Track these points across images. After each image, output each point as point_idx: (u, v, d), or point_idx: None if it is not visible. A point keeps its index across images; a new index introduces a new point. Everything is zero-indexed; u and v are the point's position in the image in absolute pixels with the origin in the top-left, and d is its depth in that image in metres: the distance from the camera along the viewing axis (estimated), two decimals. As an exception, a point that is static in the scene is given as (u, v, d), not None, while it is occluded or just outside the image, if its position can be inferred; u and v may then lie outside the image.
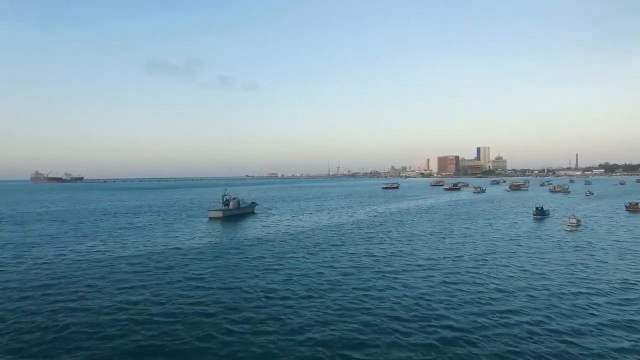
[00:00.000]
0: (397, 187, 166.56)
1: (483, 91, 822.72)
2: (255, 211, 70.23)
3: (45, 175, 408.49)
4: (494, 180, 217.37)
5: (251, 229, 48.17)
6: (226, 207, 64.18)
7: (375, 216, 57.93)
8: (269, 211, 70.29)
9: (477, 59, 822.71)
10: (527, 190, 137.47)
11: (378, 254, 30.95)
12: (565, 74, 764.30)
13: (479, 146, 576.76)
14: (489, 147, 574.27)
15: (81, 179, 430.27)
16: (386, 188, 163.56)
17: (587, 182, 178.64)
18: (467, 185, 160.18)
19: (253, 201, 76.29)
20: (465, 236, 39.07)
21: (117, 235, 42.59)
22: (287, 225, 49.48)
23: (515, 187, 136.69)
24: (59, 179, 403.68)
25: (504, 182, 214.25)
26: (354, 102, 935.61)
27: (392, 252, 31.60)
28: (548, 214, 54.18)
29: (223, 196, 66.49)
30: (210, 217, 61.45)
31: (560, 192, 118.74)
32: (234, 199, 66.58)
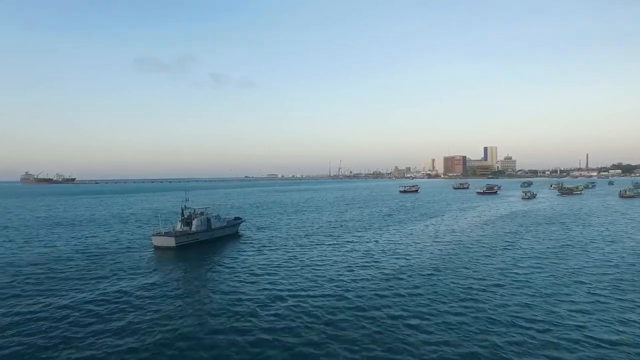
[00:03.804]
0: (416, 191, 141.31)
1: (487, 91, 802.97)
2: (239, 232, 45.65)
3: (35, 177, 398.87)
4: (524, 182, 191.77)
5: (221, 281, 23.32)
6: (186, 227, 39.32)
7: (439, 256, 32.75)
8: (261, 232, 45.20)
9: (479, 59, 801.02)
10: (580, 194, 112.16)
11: None
12: (570, 73, 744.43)
13: (485, 146, 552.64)
14: (496, 147, 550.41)
15: (73, 180, 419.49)
16: (404, 192, 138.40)
17: (637, 185, 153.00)
18: (500, 187, 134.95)
19: (237, 216, 51.36)
20: None
21: None
22: (289, 272, 24.49)
23: (567, 191, 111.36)
24: (49, 180, 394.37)
25: (532, 183, 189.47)
26: (355, 101, 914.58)
27: None
28: None
29: (182, 209, 41.39)
30: (156, 246, 36.72)
31: (633, 197, 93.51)
32: (201, 214, 41.70)
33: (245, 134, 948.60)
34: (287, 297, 19.95)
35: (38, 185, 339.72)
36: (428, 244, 34.94)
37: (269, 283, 22.75)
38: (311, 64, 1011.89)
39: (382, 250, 32.41)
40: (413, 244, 35.49)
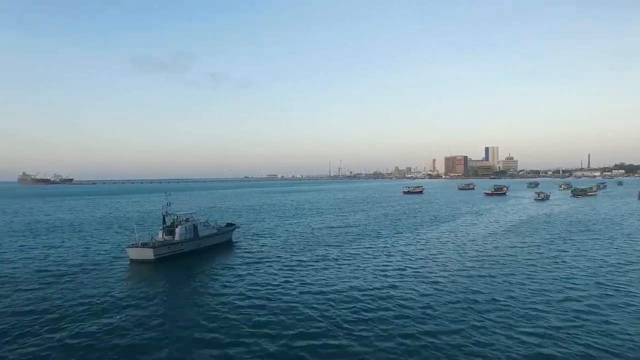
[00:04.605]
0: (421, 192, 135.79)
1: (487, 91, 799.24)
2: (232, 239, 40.40)
3: (32, 177, 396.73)
4: (531, 183, 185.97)
5: (199, 311, 17.85)
6: (169, 237, 34.04)
7: (469, 278, 26.98)
8: (256, 241, 39.56)
9: (479, 58, 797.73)
10: (594, 195, 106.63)
11: None
12: (570, 72, 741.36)
13: (486, 146, 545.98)
14: (497, 147, 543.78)
15: (71, 180, 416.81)
16: (408, 193, 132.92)
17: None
18: (508, 188, 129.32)
19: (230, 222, 45.89)
20: None
21: None
22: (284, 299, 18.89)
23: (580, 193, 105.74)
24: (47, 181, 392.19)
25: (538, 183, 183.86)
26: (355, 101, 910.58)
27: None
28: None
29: (164, 216, 35.88)
30: (132, 259, 31.44)
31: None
32: (186, 220, 36.38)
33: (245, 134, 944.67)
34: (275, 352, 14.35)
35: (35, 186, 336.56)
36: (452, 259, 29.32)
37: (256, 322, 17.15)
38: (311, 64, 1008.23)
39: (398, 268, 26.74)
40: (432, 258, 29.88)
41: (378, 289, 21.65)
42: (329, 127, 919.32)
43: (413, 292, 20.99)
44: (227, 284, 23.58)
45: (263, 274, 25.59)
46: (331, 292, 21.13)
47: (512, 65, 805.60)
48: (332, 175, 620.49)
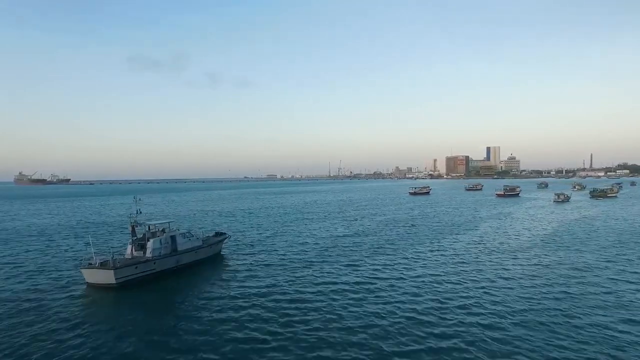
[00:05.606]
0: (428, 193, 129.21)
1: (488, 91, 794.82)
2: (222, 251, 33.89)
3: (29, 177, 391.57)
4: (541, 183, 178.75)
5: None
6: (139, 253, 27.48)
7: (539, 321, 20.21)
8: (249, 255, 32.49)
9: (479, 58, 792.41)
10: (615, 197, 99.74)
11: None
12: (570, 73, 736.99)
13: (487, 146, 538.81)
14: (499, 147, 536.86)
15: (68, 180, 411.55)
16: (415, 194, 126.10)
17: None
18: (520, 188, 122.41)
19: (219, 230, 39.13)
20: None
21: None
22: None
23: (600, 194, 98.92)
24: (43, 181, 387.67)
25: (547, 184, 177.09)
26: (356, 101, 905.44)
27: None
28: None
29: (133, 226, 28.88)
30: (89, 284, 24.85)
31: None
32: (161, 231, 29.75)
33: (245, 133, 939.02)
34: None
35: (31, 186, 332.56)
36: (497, 286, 22.33)
37: None
38: (311, 64, 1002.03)
39: (434, 305, 19.58)
40: (473, 286, 22.79)
41: (415, 351, 14.57)
42: (329, 127, 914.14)
43: (456, 341, 14.02)
44: (198, 335, 16.65)
45: (248, 319, 18.47)
46: (343, 341, 14.12)
47: (513, 65, 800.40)
48: (332, 175, 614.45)
